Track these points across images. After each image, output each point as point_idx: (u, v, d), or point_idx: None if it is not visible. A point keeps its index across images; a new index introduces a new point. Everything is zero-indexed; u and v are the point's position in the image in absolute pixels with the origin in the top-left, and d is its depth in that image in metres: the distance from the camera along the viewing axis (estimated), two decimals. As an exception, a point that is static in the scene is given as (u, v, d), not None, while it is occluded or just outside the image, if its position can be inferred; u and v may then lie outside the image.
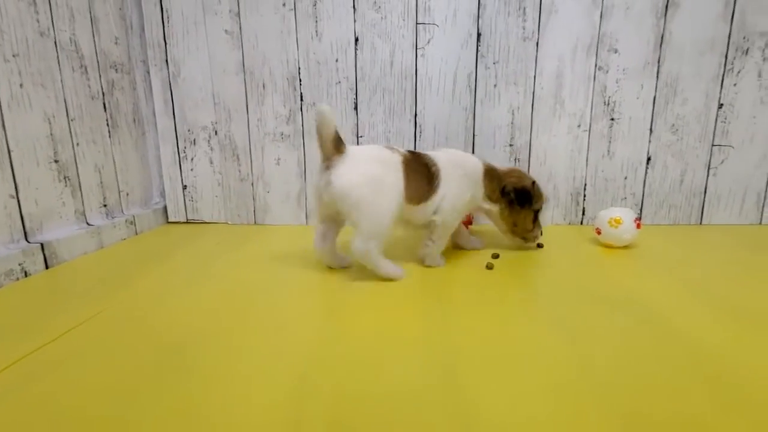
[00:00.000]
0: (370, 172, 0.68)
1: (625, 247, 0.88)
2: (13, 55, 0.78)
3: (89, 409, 0.40)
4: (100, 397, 0.42)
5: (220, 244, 0.98)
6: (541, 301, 0.63)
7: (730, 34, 0.99)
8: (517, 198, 0.82)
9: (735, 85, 1.01)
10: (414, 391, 0.42)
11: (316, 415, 0.38)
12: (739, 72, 1.01)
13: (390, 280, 0.70)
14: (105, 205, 1.01)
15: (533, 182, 0.84)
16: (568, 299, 0.64)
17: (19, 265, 0.76)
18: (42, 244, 0.80)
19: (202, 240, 1.01)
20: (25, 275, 0.77)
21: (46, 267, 0.81)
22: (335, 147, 0.67)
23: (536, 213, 0.86)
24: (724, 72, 1.01)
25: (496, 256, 0.84)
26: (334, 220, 0.75)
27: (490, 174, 0.82)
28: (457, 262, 0.82)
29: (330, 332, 0.54)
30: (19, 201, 0.79)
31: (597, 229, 0.88)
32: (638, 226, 0.84)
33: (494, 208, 0.83)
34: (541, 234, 0.89)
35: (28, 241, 0.80)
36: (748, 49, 0.99)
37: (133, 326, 0.56)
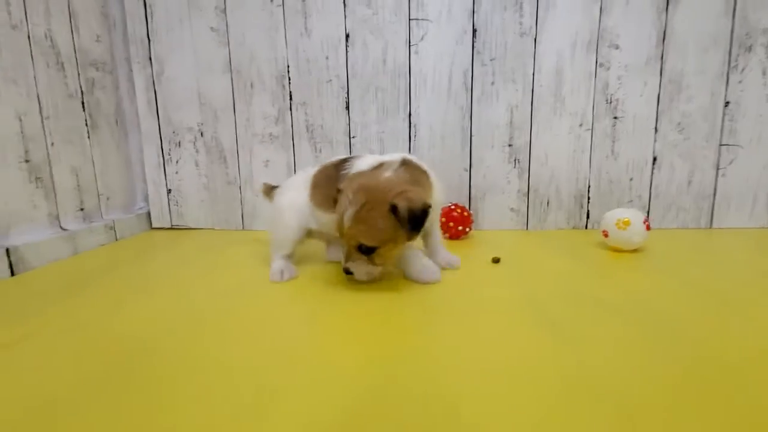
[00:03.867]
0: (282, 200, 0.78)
1: (634, 250, 0.82)
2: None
3: (24, 426, 0.34)
4: (38, 413, 0.35)
5: (199, 251, 0.92)
6: (542, 305, 0.58)
7: (732, 30, 0.96)
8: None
9: (740, 82, 0.98)
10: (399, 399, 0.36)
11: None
12: (743, 69, 0.97)
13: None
14: (82, 209, 0.95)
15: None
16: (571, 304, 0.58)
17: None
18: (7, 249, 0.74)
19: (182, 247, 0.95)
20: (-14, 282, 0.71)
21: (12, 273, 0.75)
22: (267, 194, 0.86)
23: None
24: (728, 69, 0.97)
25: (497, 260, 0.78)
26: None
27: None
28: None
29: (296, 346, 0.48)
30: (-18, 202, 0.73)
31: (604, 231, 0.83)
32: (647, 227, 0.79)
33: None
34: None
35: (-9, 246, 0.74)
36: (751, 46, 0.96)
37: (86, 337, 0.50)
